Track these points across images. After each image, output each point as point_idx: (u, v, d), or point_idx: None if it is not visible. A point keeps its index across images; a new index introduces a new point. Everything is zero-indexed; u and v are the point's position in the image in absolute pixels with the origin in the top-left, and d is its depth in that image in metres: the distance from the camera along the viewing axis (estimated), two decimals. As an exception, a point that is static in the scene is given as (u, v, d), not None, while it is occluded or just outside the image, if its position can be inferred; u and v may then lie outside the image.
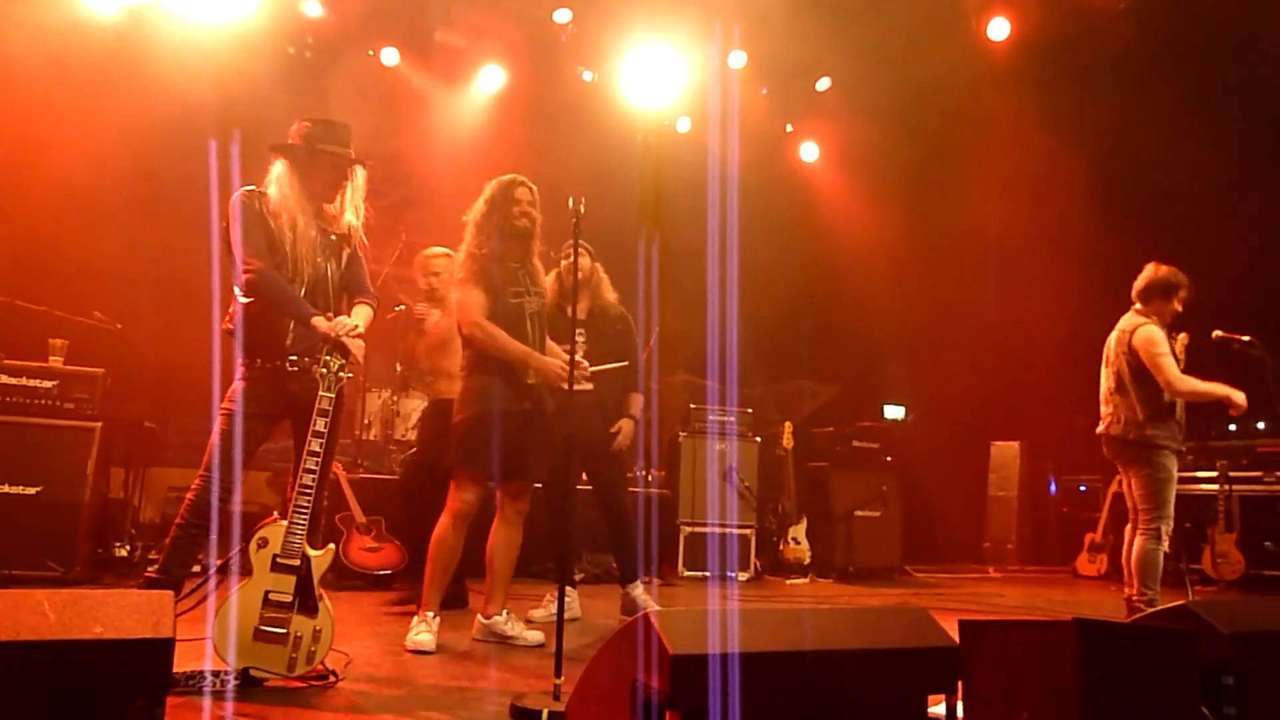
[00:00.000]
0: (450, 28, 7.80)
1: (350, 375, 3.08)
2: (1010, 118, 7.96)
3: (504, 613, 3.87)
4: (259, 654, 2.90)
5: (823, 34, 7.80)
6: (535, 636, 3.84)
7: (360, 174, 3.44)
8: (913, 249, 8.69)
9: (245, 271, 3.15)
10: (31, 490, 4.65)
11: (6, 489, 4.61)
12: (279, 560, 2.92)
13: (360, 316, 3.30)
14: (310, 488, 2.95)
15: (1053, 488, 9.12)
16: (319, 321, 3.12)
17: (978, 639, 2.30)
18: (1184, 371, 4.67)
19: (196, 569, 3.50)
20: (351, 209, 3.42)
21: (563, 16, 7.80)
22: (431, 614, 3.67)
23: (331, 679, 3.02)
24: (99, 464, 4.86)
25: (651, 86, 8.12)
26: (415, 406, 6.81)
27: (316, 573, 2.96)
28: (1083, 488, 8.87)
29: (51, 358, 4.96)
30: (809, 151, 9.47)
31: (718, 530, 6.77)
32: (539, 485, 4.15)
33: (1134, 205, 7.95)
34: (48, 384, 4.83)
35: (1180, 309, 4.75)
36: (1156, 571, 4.63)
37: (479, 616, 3.91)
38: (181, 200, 6.26)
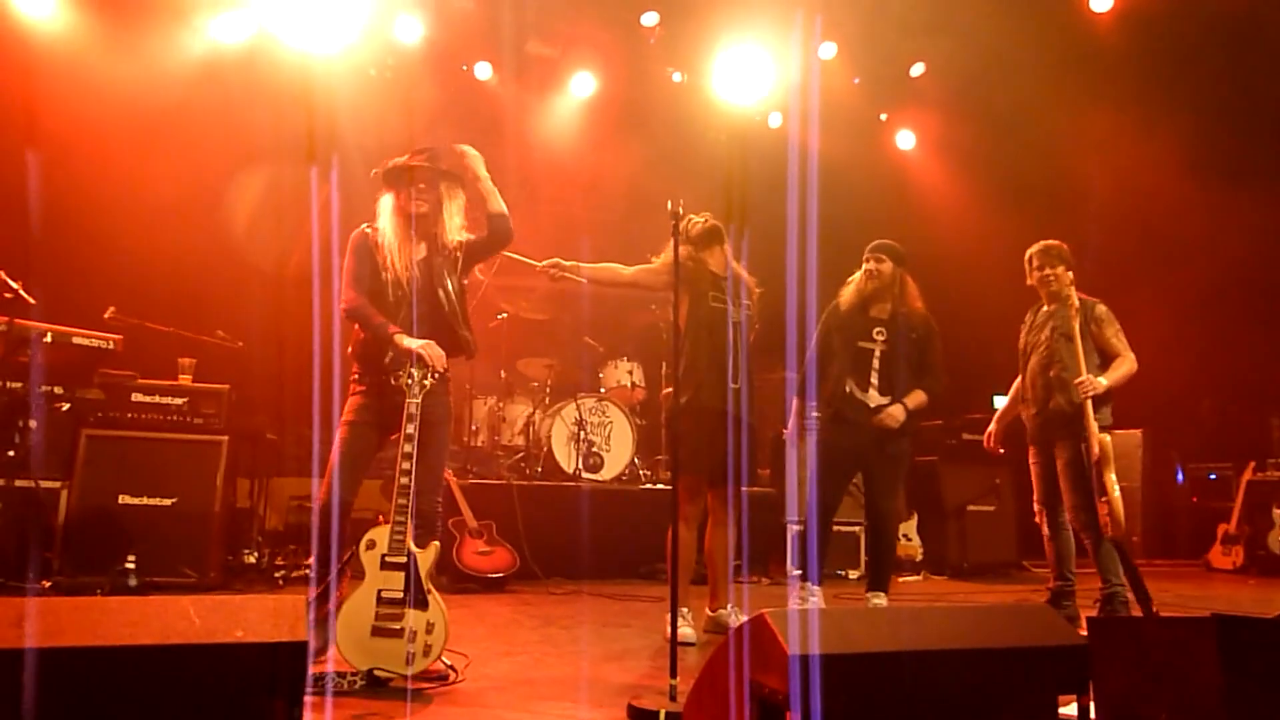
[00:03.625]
0: (541, 38, 7.93)
1: (432, 382, 3.30)
2: (1115, 93, 7.60)
3: (729, 606, 4.19)
4: (378, 651, 3.02)
5: (913, 17, 7.61)
6: None
7: (460, 197, 3.64)
8: (1018, 233, 8.36)
9: (341, 304, 3.53)
10: (167, 501, 4.92)
11: (145, 500, 4.89)
12: (387, 559, 3.10)
13: None
14: (406, 488, 3.14)
15: (1179, 477, 8.66)
16: (399, 339, 3.40)
17: (1108, 637, 2.21)
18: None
19: (307, 573, 3.69)
20: (460, 225, 3.63)
21: (650, 20, 7.85)
22: (686, 610, 3.86)
23: (451, 677, 3.11)
24: (227, 475, 5.10)
25: (741, 83, 8.08)
26: (521, 412, 6.94)
27: (423, 567, 3.12)
28: (1213, 475, 8.39)
29: (181, 376, 5.24)
30: (905, 140, 9.25)
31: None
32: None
33: (1254, 186, 7.49)
34: (178, 401, 5.11)
35: (1032, 283, 4.87)
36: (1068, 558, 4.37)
37: (707, 610, 4.25)
38: (292, 227, 6.60)
